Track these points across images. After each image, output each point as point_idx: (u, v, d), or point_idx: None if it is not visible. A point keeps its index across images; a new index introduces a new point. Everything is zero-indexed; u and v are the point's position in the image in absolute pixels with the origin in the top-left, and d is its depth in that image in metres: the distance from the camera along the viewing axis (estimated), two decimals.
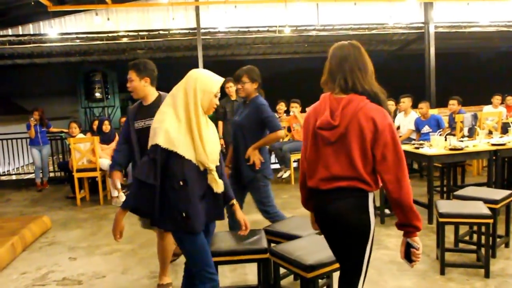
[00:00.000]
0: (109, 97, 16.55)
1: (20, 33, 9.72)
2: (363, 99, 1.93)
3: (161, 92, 3.18)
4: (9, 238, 4.36)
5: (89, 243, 4.65)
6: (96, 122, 7.31)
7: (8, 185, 8.61)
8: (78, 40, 10.26)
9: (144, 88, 3.15)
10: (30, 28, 9.73)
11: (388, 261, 3.71)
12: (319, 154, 2.01)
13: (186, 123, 2.20)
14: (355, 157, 1.91)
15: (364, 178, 1.92)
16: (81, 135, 7.06)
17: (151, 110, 2.88)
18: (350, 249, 1.97)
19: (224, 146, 6.81)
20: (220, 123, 6.78)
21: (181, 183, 2.17)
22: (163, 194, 2.18)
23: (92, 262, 4.12)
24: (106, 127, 6.89)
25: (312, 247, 2.62)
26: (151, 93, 3.17)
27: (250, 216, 5.43)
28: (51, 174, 8.78)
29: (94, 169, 6.52)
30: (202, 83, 2.24)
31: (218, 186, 2.28)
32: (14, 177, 9.53)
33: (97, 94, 15.50)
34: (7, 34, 9.73)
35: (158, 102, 2.96)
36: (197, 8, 9.77)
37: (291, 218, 3.44)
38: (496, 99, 8.57)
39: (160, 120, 2.22)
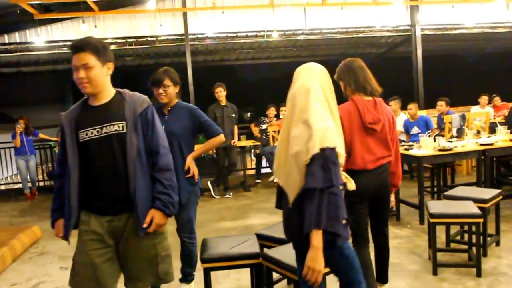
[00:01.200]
0: None
1: (6, 41, 9.62)
2: (382, 100, 2.90)
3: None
4: None
5: None
6: None
7: None
8: (65, 48, 10.15)
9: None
10: (16, 37, 9.63)
11: None
12: (364, 143, 2.77)
13: (333, 119, 2.01)
14: (388, 141, 2.83)
15: (391, 154, 2.86)
16: None
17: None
18: (388, 202, 2.94)
19: (215, 151, 6.81)
20: None
21: (341, 187, 1.92)
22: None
23: None
24: None
25: None
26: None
27: (243, 221, 5.44)
28: (41, 183, 8.68)
29: None
30: (326, 75, 2.08)
31: (352, 183, 2.15)
32: (2, 187, 9.41)
33: None
34: None
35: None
36: (184, 14, 9.76)
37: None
38: (483, 99, 8.69)
39: (321, 118, 1.91)
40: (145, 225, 2.08)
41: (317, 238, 1.80)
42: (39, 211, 6.83)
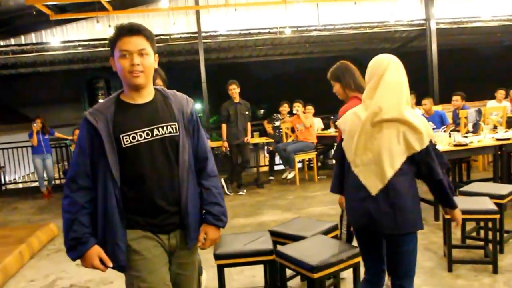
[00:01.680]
0: None
1: (23, 42, 9.79)
2: None
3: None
4: (16, 246, 4.39)
5: None
6: None
7: (14, 194, 8.68)
8: (80, 48, 10.31)
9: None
10: (32, 37, 9.79)
11: None
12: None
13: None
14: None
15: None
16: None
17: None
18: None
19: (229, 148, 6.83)
20: (224, 126, 6.80)
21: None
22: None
23: None
24: None
25: (318, 248, 2.62)
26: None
27: (256, 217, 5.45)
28: (57, 182, 8.82)
29: None
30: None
31: None
32: (20, 185, 9.61)
33: (100, 101, 15.61)
34: (10, 44, 9.80)
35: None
36: (197, 12, 9.80)
37: (296, 219, 3.44)
38: (500, 93, 8.53)
39: (417, 116, 2.12)
40: (200, 244, 1.91)
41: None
42: (55, 209, 6.94)
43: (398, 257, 2.14)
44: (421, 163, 2.07)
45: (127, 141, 1.76)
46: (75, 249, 1.76)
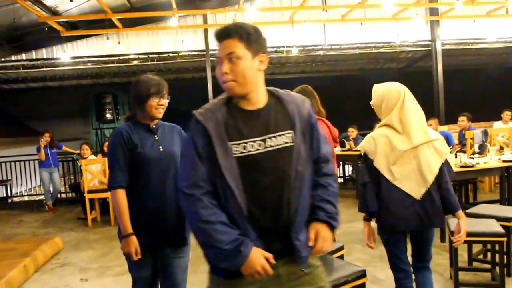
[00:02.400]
0: (119, 118, 16.78)
1: (34, 57, 9.96)
2: None
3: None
4: (21, 260, 4.40)
5: (101, 264, 4.66)
6: (107, 144, 7.40)
7: (20, 206, 8.70)
8: (89, 64, 10.48)
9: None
10: (43, 53, 9.97)
11: None
12: None
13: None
14: None
15: None
16: (93, 157, 7.15)
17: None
18: None
19: None
20: None
21: None
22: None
23: (103, 283, 4.13)
24: None
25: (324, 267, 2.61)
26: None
27: None
28: (63, 195, 8.86)
29: (105, 190, 6.56)
30: None
31: None
32: (26, 198, 9.64)
33: (108, 116, 15.73)
34: (21, 59, 9.98)
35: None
36: (205, 31, 9.95)
37: None
38: (506, 114, 8.52)
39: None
40: (310, 243, 1.59)
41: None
42: (61, 223, 6.96)
43: (427, 245, 2.58)
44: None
45: (236, 150, 1.54)
46: (237, 254, 1.49)
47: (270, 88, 1.67)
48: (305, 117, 1.65)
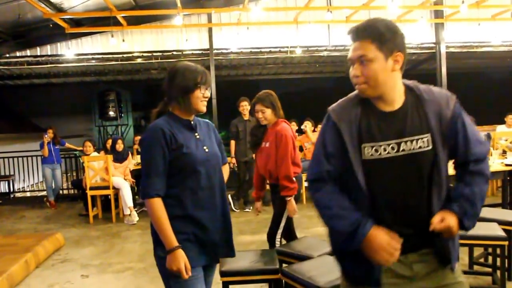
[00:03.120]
0: (122, 115, 16.79)
1: (38, 54, 9.98)
2: None
3: None
4: (23, 255, 4.42)
5: (101, 261, 4.67)
6: (110, 141, 7.44)
7: (22, 202, 8.74)
8: (93, 61, 10.49)
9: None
10: (48, 49, 9.99)
11: None
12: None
13: None
14: None
15: None
16: (95, 153, 7.17)
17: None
18: None
19: (236, 165, 6.86)
20: (232, 142, 6.83)
21: None
22: None
23: (104, 280, 4.14)
24: (120, 146, 7.00)
25: (324, 268, 2.61)
26: None
27: (262, 235, 5.43)
28: (65, 192, 8.88)
29: (107, 187, 6.59)
30: None
31: None
32: (28, 194, 9.68)
33: (111, 113, 15.74)
34: (25, 55, 10.00)
35: None
36: (210, 30, 9.95)
37: (303, 238, 3.43)
38: (510, 118, 8.50)
39: None
40: (432, 227, 1.48)
41: None
42: (63, 219, 6.98)
43: None
44: None
45: (368, 152, 1.49)
46: (355, 234, 1.47)
47: (410, 83, 1.60)
48: (448, 119, 1.54)
